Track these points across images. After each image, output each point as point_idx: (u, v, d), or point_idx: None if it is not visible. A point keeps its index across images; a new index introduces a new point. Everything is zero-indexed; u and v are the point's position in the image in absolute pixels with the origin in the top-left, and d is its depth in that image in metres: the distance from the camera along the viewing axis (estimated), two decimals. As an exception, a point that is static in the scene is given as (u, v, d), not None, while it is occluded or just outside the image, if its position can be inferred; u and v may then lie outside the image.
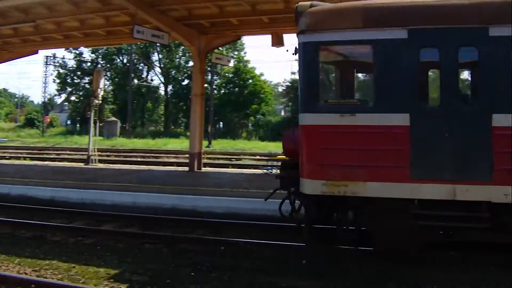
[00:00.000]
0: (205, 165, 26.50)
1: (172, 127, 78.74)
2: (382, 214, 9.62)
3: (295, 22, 10.24)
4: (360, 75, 11.03)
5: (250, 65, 76.21)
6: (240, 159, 35.32)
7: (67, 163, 30.81)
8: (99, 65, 74.95)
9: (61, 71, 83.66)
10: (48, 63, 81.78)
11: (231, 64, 32.51)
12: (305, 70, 10.01)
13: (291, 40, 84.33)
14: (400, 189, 9.20)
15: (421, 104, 9.31)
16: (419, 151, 9.08)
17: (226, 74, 74.17)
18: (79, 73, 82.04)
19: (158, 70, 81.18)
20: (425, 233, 9.55)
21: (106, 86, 71.40)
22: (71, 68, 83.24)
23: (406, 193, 9.17)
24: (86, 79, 78.96)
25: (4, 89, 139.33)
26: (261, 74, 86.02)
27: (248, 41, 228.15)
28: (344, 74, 11.12)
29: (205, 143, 38.12)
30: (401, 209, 9.33)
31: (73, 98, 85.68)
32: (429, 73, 10.66)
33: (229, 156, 37.36)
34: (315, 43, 9.78)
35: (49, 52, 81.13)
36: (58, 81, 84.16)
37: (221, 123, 70.89)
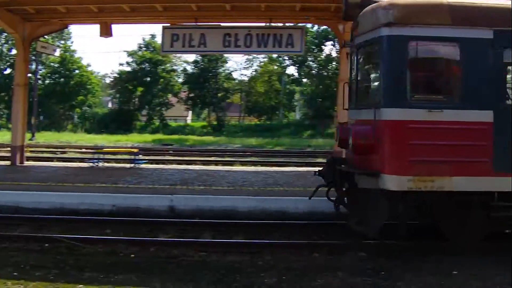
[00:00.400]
0: (28, 158, 25.30)
1: (-8, 119, 74.42)
2: (464, 207, 10.16)
3: (344, 15, 11.48)
4: (446, 71, 10.63)
5: (77, 55, 74.11)
6: (65, 152, 34.30)
7: None
8: None
9: None
10: None
11: (57, 53, 31.38)
12: (391, 64, 9.92)
13: (119, 30, 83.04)
14: (484, 183, 9.69)
15: (504, 102, 9.98)
16: (501, 146, 9.66)
17: (52, 64, 71.14)
18: None
19: (-25, 58, 76.07)
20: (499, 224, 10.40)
21: None
22: None
23: (489, 186, 9.74)
24: None
25: None
26: (88, 65, 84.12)
27: (76, 30, 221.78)
28: (431, 69, 10.69)
29: (28, 135, 36.41)
30: (483, 201, 9.99)
31: None
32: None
33: (53, 149, 35.99)
34: (404, 37, 9.77)
35: None
36: None
37: (44, 115, 67.92)
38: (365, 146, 10.23)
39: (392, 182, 9.70)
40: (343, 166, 11.29)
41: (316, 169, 12.50)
